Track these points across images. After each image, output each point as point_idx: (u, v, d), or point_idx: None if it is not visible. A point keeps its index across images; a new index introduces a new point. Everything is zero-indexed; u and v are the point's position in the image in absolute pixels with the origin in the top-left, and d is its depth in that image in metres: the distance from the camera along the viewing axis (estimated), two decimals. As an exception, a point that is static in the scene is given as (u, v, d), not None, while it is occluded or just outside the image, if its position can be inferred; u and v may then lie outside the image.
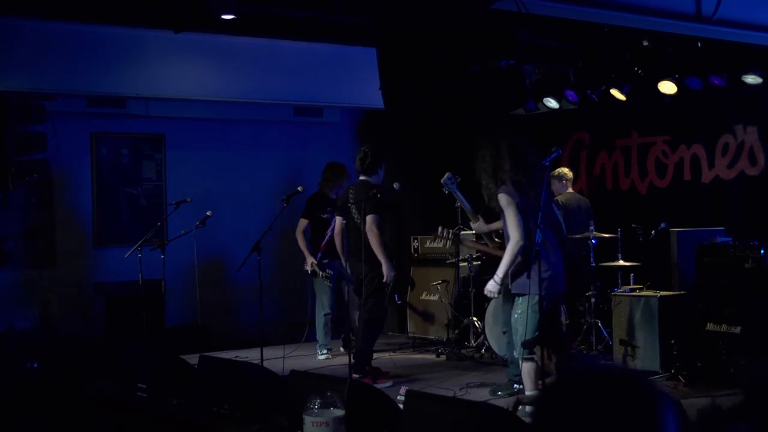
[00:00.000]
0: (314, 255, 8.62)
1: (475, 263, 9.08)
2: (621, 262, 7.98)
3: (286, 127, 10.61)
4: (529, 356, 5.90)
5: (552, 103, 9.08)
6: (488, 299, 8.42)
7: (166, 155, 9.99)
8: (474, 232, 8.25)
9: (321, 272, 8.52)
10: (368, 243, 7.35)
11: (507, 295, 6.42)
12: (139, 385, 4.89)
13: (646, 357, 7.13)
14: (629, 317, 7.50)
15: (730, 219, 8.16)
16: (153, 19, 8.08)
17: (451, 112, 9.61)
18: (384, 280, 7.37)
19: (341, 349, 8.92)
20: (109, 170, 9.70)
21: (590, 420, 1.48)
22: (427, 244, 9.75)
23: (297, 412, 3.65)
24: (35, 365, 5.80)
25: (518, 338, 5.98)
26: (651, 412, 1.49)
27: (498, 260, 6.15)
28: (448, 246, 9.18)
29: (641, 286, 7.69)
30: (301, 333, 9.19)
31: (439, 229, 7.91)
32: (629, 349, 7.41)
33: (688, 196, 8.61)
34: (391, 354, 8.97)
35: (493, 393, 6.98)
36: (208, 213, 8.44)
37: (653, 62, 8.13)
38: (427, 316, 9.59)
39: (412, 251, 9.97)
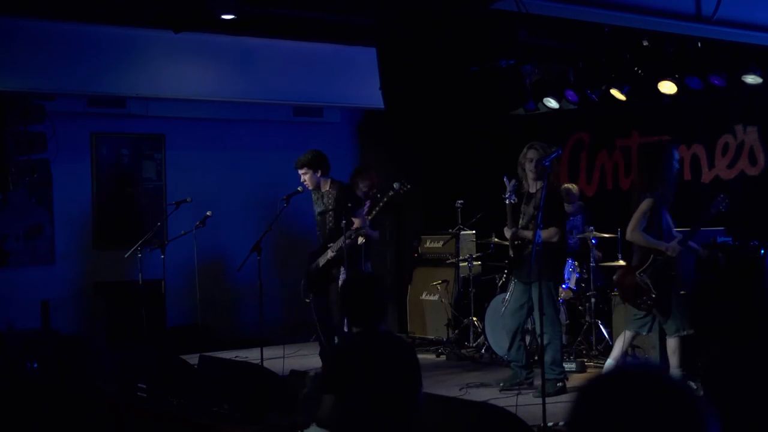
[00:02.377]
0: None
1: (475, 263, 9.08)
2: (621, 262, 7.98)
3: (286, 127, 10.60)
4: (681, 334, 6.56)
5: (552, 103, 9.08)
6: (488, 299, 8.44)
7: (166, 155, 9.98)
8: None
9: None
10: None
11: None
12: (139, 385, 4.89)
13: (646, 357, 7.13)
14: (629, 317, 7.50)
15: (730, 219, 8.15)
16: (153, 19, 8.08)
17: (451, 112, 9.62)
18: None
19: None
20: (109, 170, 9.70)
21: (630, 424, 1.45)
22: (427, 244, 9.75)
23: (297, 411, 3.65)
24: (35, 365, 5.81)
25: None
26: (696, 426, 1.45)
27: None
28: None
29: (641, 286, 7.69)
30: (304, 333, 9.20)
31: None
32: (629, 349, 7.40)
33: (688, 196, 8.60)
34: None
35: (504, 387, 7.07)
36: (208, 213, 8.43)
37: (653, 62, 8.13)
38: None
39: (412, 251, 9.98)
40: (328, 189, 7.61)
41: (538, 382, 7.00)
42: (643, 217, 6.56)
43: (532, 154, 7.01)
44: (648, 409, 1.44)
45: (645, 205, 6.56)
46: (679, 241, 6.55)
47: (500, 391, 7.05)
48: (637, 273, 6.59)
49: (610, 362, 6.85)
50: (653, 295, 6.53)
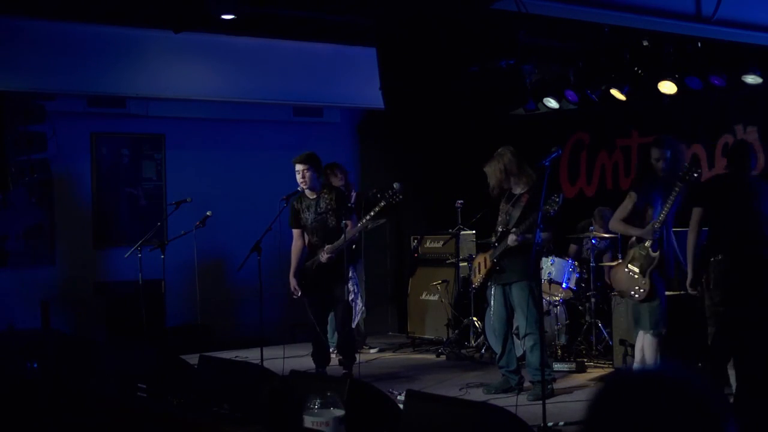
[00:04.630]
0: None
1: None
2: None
3: (286, 127, 10.61)
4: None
5: (552, 103, 9.09)
6: (488, 300, 8.45)
7: (166, 155, 9.99)
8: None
9: None
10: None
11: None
12: (139, 385, 4.89)
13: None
14: (629, 317, 7.49)
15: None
16: (153, 19, 8.08)
17: (451, 112, 9.61)
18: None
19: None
20: (109, 170, 9.71)
21: (646, 425, 1.43)
22: (427, 244, 9.75)
23: (297, 412, 3.65)
24: (35, 365, 5.80)
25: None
26: (713, 427, 1.43)
27: None
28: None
29: (641, 286, 7.69)
30: (304, 333, 9.19)
31: None
32: (629, 349, 7.40)
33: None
34: (391, 354, 8.98)
35: (488, 392, 7.00)
36: (208, 213, 8.44)
37: (653, 62, 8.13)
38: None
39: (413, 251, 9.97)
40: (323, 192, 7.61)
41: (526, 384, 7.01)
42: (623, 209, 6.71)
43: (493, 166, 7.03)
44: (665, 409, 1.43)
45: (627, 198, 6.71)
46: (654, 224, 6.52)
47: (484, 393, 7.00)
48: (627, 265, 6.63)
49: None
50: (643, 282, 6.55)
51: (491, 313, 7.23)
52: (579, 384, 7.35)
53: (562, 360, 7.95)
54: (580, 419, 1.53)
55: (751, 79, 7.64)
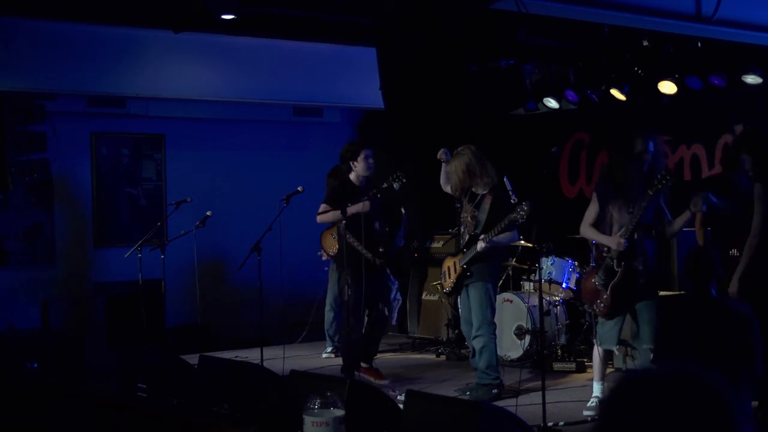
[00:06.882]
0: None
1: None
2: (621, 262, 7.97)
3: (286, 127, 10.61)
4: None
5: (552, 103, 9.08)
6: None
7: (166, 155, 9.99)
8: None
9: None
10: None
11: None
12: (139, 385, 4.89)
13: (646, 357, 7.12)
14: (629, 319, 7.48)
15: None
16: (153, 19, 8.09)
17: (451, 112, 9.62)
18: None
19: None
20: (109, 170, 9.70)
21: (660, 425, 1.42)
22: (427, 244, 9.75)
23: (297, 412, 3.65)
24: (35, 365, 5.80)
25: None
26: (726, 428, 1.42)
27: None
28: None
29: (641, 286, 7.67)
30: (304, 333, 9.18)
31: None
32: (629, 349, 7.40)
33: (688, 196, 8.59)
34: (392, 354, 8.98)
35: (463, 393, 6.91)
36: (208, 213, 8.44)
37: (653, 62, 8.13)
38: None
39: (412, 251, 9.97)
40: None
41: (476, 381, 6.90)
42: (588, 212, 6.34)
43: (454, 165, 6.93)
44: (678, 409, 1.42)
45: (591, 201, 6.39)
46: (621, 234, 6.05)
47: (459, 395, 6.84)
48: (596, 274, 6.25)
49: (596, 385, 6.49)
50: (605, 297, 6.17)
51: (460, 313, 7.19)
52: (579, 384, 7.34)
53: (562, 360, 7.95)
54: (595, 418, 1.52)
55: (751, 79, 7.64)
